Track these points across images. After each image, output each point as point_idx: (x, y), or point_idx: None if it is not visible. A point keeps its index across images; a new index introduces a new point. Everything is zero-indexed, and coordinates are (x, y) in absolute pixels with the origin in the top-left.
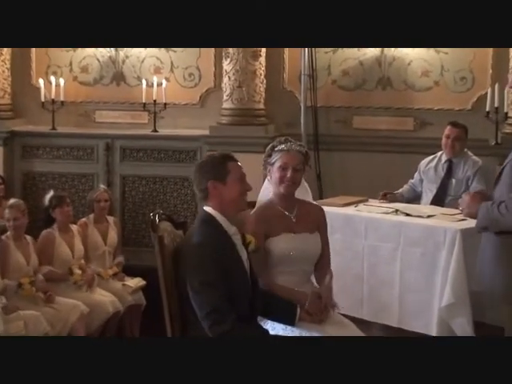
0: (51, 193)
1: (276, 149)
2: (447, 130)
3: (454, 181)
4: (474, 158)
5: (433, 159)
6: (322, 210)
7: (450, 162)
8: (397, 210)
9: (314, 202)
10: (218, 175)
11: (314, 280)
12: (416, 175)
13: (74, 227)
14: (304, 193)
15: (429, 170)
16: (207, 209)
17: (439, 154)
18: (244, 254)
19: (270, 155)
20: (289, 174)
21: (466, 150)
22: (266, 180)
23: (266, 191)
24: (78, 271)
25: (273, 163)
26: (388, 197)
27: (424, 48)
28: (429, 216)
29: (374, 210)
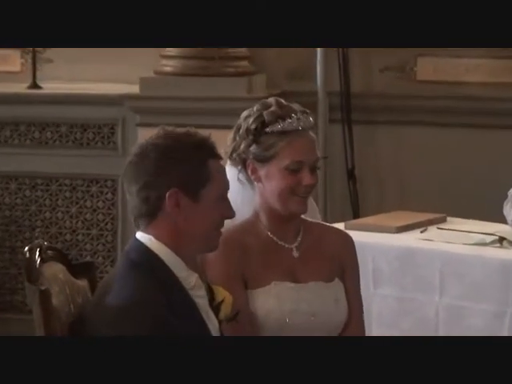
0: None
1: (271, 129)
2: None
3: None
4: None
5: None
6: (350, 238)
7: None
8: (502, 239)
9: (335, 226)
10: (189, 182)
11: None
12: None
13: None
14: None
15: None
16: (145, 239)
17: None
18: (213, 323)
19: (255, 141)
20: (306, 180)
21: None
22: (228, 166)
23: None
24: None
25: (267, 159)
26: None
27: None
28: None
29: (457, 239)
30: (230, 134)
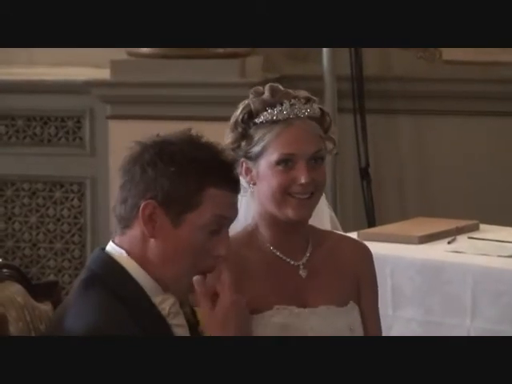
0: None
1: (259, 120)
2: None
3: None
4: None
5: None
6: (368, 251)
7: None
8: None
9: (350, 235)
10: (174, 200)
11: None
12: None
13: None
14: (318, 213)
15: None
16: (115, 251)
17: None
18: None
19: (243, 136)
20: (303, 178)
21: None
22: (244, 197)
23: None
24: None
25: (257, 156)
26: None
27: None
28: None
29: (492, 251)
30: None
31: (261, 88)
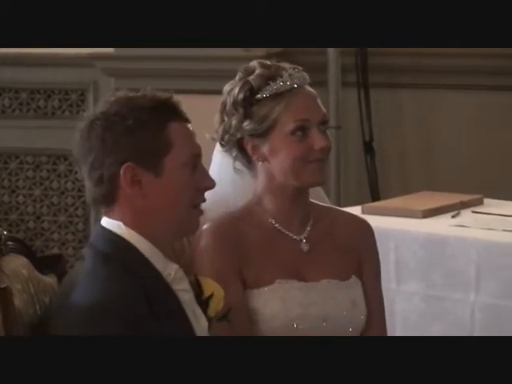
0: None
1: (263, 95)
2: None
3: None
4: None
5: None
6: (368, 226)
7: None
8: None
9: (350, 210)
10: (145, 152)
11: None
12: None
13: None
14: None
15: None
16: (113, 225)
17: None
18: (201, 323)
19: (247, 114)
20: (318, 143)
21: None
22: (219, 155)
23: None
24: None
25: (266, 131)
26: None
27: None
28: None
29: (496, 225)
30: (216, 116)
31: (250, 66)
